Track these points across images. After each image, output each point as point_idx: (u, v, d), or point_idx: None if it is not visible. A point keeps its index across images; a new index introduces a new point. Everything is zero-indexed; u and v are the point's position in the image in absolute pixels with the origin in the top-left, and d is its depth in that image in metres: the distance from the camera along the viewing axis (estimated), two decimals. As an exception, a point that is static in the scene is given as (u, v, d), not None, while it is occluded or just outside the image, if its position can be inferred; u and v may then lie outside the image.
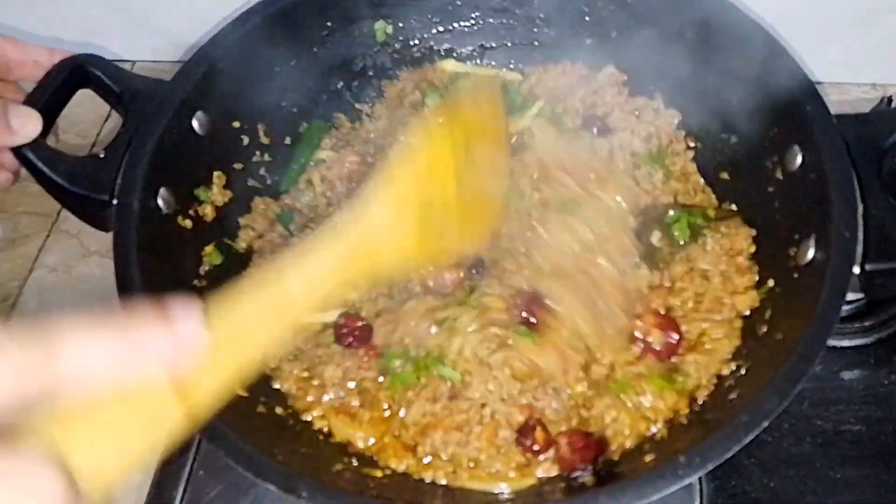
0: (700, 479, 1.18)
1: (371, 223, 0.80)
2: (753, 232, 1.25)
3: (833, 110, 1.44)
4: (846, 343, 1.32)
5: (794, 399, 1.21)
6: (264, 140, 1.42)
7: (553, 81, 1.45)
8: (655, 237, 1.24)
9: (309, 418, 1.17)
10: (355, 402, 1.16)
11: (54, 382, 0.45)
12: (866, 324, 1.32)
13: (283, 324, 0.65)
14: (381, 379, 1.17)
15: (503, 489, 1.07)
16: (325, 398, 1.17)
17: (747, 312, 1.19)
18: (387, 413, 1.15)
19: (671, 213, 1.24)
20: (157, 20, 1.64)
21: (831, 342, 1.29)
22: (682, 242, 1.23)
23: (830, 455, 1.21)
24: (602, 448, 1.09)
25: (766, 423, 0.92)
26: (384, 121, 1.47)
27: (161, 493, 1.22)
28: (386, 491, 1.05)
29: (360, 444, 1.13)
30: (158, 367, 0.50)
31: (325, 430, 1.16)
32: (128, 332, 0.49)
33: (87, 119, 1.54)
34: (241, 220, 1.38)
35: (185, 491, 1.22)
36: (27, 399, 0.44)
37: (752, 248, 1.24)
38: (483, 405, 1.12)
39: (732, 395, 1.08)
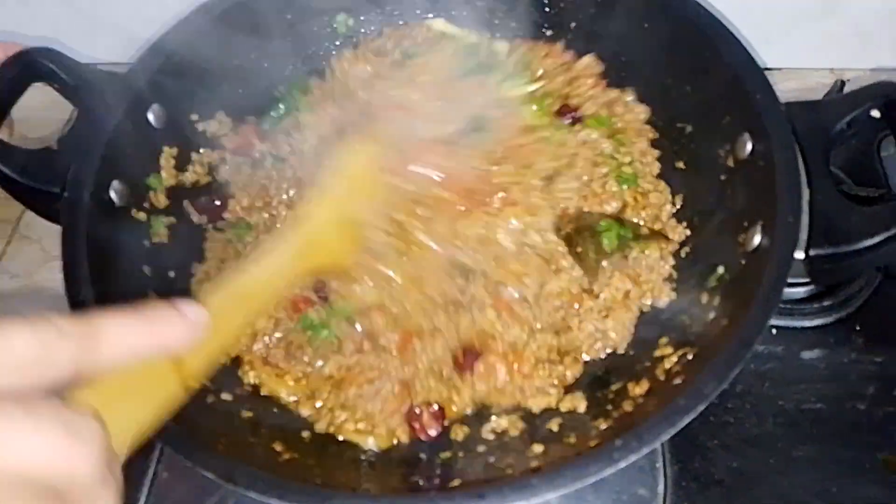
0: (664, 461, 1.20)
1: (313, 229, 0.98)
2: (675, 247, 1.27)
3: (791, 96, 1.45)
4: (806, 323, 1.33)
5: (756, 379, 1.27)
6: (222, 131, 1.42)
7: (538, 62, 1.44)
8: (584, 244, 1.24)
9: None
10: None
11: (99, 361, 0.55)
12: (825, 304, 1.33)
13: (254, 309, 0.84)
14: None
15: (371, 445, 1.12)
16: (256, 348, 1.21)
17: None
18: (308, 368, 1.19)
19: (602, 223, 1.25)
20: (123, 21, 1.64)
21: (792, 322, 1.33)
22: (608, 252, 1.24)
23: (792, 434, 1.23)
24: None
25: (702, 407, 0.92)
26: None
27: (124, 495, 1.22)
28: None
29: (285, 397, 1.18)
30: (171, 346, 0.61)
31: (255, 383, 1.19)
32: (150, 319, 0.60)
33: (53, 117, 1.54)
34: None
35: (149, 493, 1.22)
36: (79, 375, 0.54)
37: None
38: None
39: (677, 381, 1.07)
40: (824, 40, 1.59)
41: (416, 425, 1.12)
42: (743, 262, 1.12)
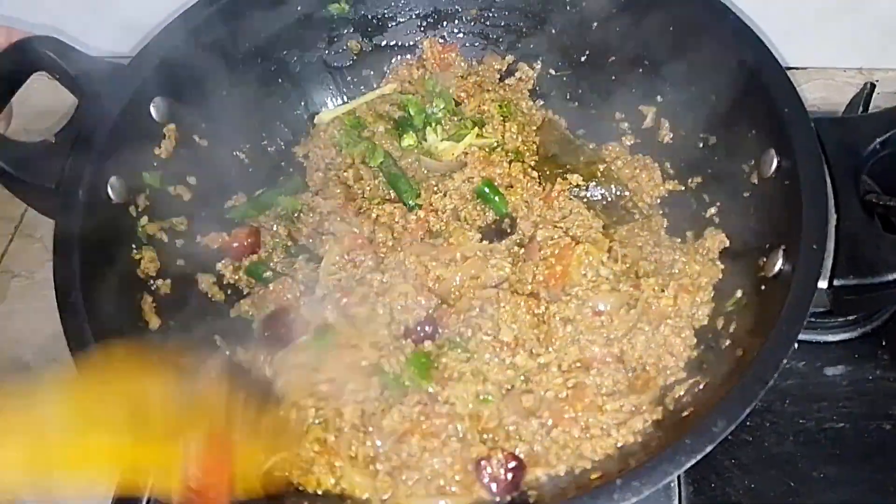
0: (678, 480, 1.15)
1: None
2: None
3: (818, 97, 1.39)
4: (830, 338, 1.26)
5: (777, 396, 1.21)
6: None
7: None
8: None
9: None
10: None
11: None
12: (850, 318, 1.25)
13: None
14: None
15: None
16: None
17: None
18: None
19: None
20: (127, 11, 1.60)
21: (815, 337, 1.26)
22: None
23: (813, 454, 1.17)
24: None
25: (709, 448, 0.87)
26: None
27: None
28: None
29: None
30: None
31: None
32: None
33: (57, 109, 1.51)
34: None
35: None
36: None
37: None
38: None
39: (686, 413, 1.02)
40: (852, 39, 1.52)
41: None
42: (763, 287, 1.06)
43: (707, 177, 1.28)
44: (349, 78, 1.51)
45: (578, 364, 1.12)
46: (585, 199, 1.30)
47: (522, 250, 1.25)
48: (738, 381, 0.92)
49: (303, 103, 1.49)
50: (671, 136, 1.34)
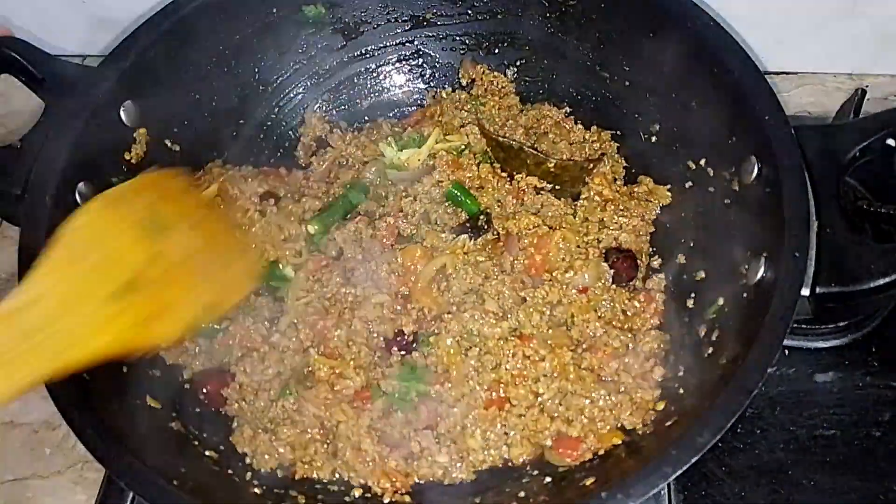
0: (668, 489, 1.14)
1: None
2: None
3: (808, 101, 1.38)
4: (820, 344, 1.24)
5: (767, 403, 1.19)
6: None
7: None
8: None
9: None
10: None
11: None
12: (840, 324, 1.24)
13: None
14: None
15: None
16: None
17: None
18: None
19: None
20: (97, 10, 1.55)
21: (805, 343, 1.24)
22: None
23: (804, 461, 1.15)
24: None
25: (694, 459, 0.86)
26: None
27: None
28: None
29: None
30: None
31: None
32: None
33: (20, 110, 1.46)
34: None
35: None
36: None
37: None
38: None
39: (669, 422, 1.01)
40: (843, 45, 1.50)
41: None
42: (745, 295, 1.05)
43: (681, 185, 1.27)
44: (327, 82, 1.48)
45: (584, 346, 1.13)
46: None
47: (501, 244, 1.24)
48: (723, 391, 0.90)
49: (277, 109, 1.45)
50: (654, 139, 1.33)
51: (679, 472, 0.85)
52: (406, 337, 1.17)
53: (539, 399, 1.09)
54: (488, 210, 1.26)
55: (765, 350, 0.92)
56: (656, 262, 1.27)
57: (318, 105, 1.48)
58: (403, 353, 1.16)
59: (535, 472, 1.07)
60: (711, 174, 1.21)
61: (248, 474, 1.07)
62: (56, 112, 1.18)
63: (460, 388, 1.09)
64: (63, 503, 1.23)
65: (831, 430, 1.18)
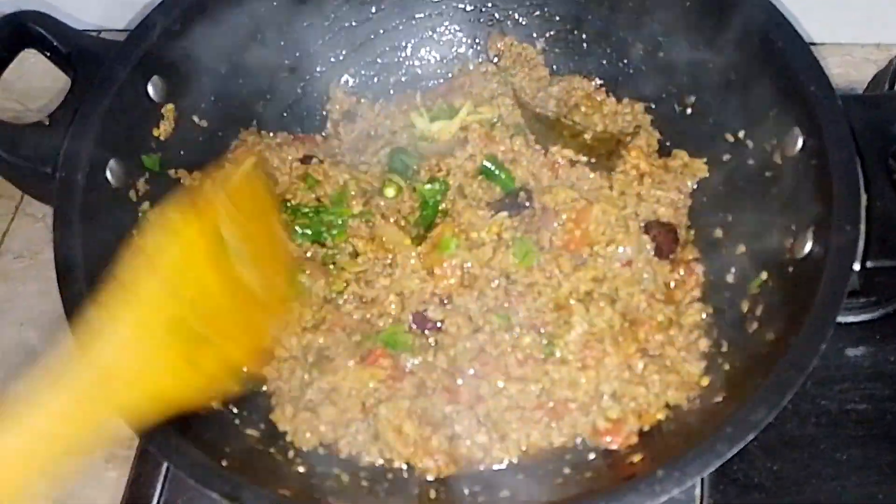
0: None
1: (104, 355, 0.77)
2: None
3: (836, 72, 1.35)
4: (851, 318, 1.22)
5: None
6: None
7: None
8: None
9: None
10: None
11: None
12: (872, 298, 1.23)
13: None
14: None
15: None
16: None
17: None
18: None
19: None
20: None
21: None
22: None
23: (835, 436, 1.15)
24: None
25: (751, 437, 0.85)
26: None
27: (138, 491, 1.17)
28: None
29: None
30: None
31: None
32: None
33: (48, 87, 1.43)
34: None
35: (162, 489, 1.17)
36: None
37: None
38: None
39: (718, 399, 1.00)
40: (870, 14, 1.48)
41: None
42: (791, 269, 1.04)
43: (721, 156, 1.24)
44: (354, 55, 1.45)
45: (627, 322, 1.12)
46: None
47: (537, 219, 1.21)
48: (776, 367, 0.89)
49: (303, 84, 1.43)
50: (689, 111, 1.30)
51: (735, 450, 0.84)
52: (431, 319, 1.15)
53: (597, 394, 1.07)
54: (527, 186, 1.24)
55: (818, 326, 0.90)
56: (694, 236, 1.24)
57: (343, 79, 1.45)
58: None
59: (579, 449, 1.06)
60: (751, 147, 1.18)
61: (291, 453, 1.06)
62: (83, 88, 1.16)
63: (516, 385, 1.07)
64: (94, 481, 1.22)
65: (862, 404, 1.17)
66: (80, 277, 1.01)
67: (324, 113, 1.43)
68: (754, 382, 0.92)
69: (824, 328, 0.90)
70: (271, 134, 1.37)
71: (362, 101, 1.43)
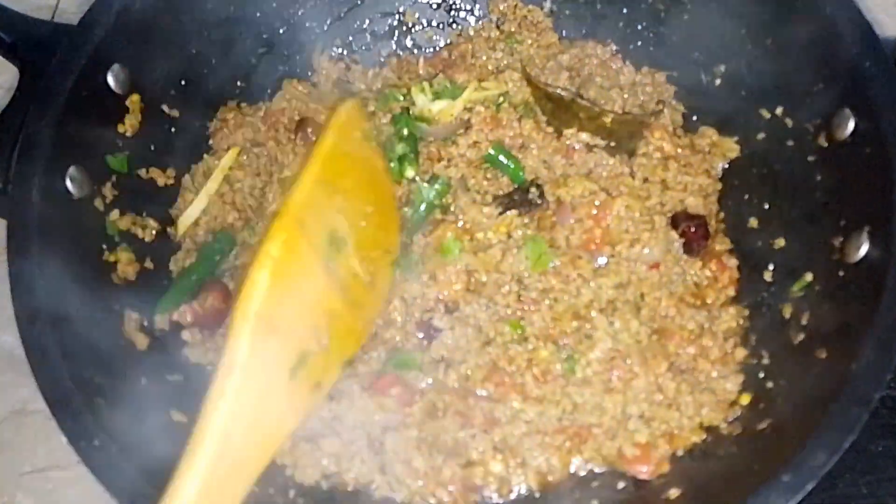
0: None
1: None
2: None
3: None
4: None
5: None
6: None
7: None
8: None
9: None
10: None
11: None
12: None
13: None
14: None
15: None
16: None
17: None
18: None
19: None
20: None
21: None
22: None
23: (869, 425, 1.05)
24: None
25: (809, 486, 0.75)
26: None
27: None
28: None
29: None
30: None
31: None
32: None
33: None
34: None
35: None
36: None
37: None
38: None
39: (762, 425, 0.90)
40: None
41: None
42: (842, 273, 0.92)
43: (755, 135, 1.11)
44: (340, 24, 1.31)
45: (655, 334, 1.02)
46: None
47: (551, 215, 1.09)
48: (836, 402, 0.79)
49: (287, 57, 1.28)
50: (718, 82, 1.17)
51: (793, 502, 0.74)
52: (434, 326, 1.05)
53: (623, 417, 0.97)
54: (538, 180, 1.11)
55: (883, 350, 0.80)
56: (725, 224, 1.13)
57: (331, 49, 1.30)
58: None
59: (606, 476, 0.97)
60: (790, 126, 1.06)
61: (292, 492, 0.96)
62: (33, 83, 1.02)
63: (534, 407, 0.97)
64: (88, 495, 1.13)
65: (898, 390, 1.08)
66: (40, 318, 0.88)
67: (311, 85, 1.29)
68: (809, 416, 0.81)
69: (891, 353, 0.79)
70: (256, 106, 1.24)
71: (352, 67, 1.29)
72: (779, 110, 1.08)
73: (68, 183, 0.99)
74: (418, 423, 0.98)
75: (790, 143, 1.06)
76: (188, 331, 1.06)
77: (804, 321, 0.96)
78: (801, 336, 0.95)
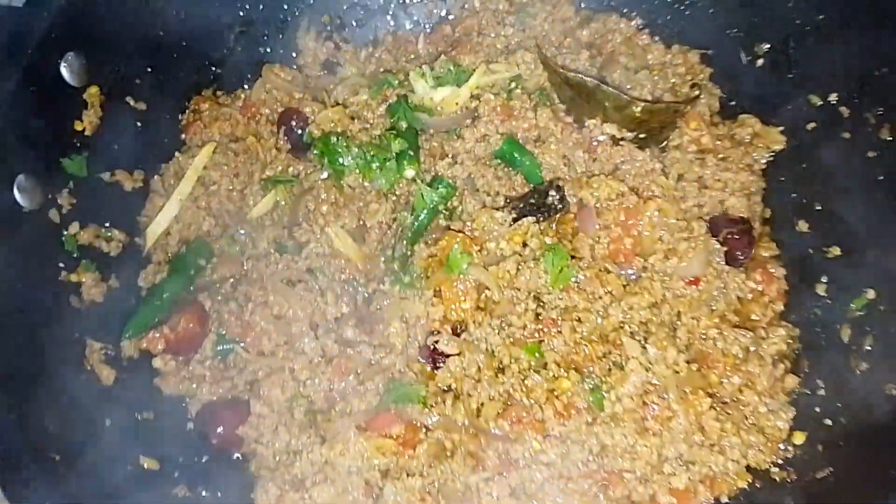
0: None
1: None
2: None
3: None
4: None
5: None
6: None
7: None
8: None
9: None
10: None
11: None
12: None
13: None
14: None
15: None
16: None
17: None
18: None
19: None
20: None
21: None
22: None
23: None
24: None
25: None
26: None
27: None
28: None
29: None
30: None
31: None
32: None
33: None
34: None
35: None
36: None
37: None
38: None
39: (822, 473, 0.78)
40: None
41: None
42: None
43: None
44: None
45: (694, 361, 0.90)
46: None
47: (573, 219, 0.96)
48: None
49: (267, 37, 1.14)
50: (760, 63, 1.03)
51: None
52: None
53: (659, 461, 0.85)
54: (558, 180, 0.97)
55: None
56: (770, 227, 1.00)
57: (317, 26, 1.16)
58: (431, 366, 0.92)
59: (638, 524, 0.85)
60: (846, 115, 0.94)
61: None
62: (-28, 76, 0.87)
63: (556, 447, 0.85)
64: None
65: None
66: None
67: (294, 68, 1.15)
68: (881, 467, 0.69)
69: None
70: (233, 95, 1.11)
71: (341, 47, 1.16)
72: (833, 97, 0.95)
73: (16, 193, 0.86)
74: (422, 467, 0.86)
75: (846, 135, 0.93)
76: (160, 358, 0.94)
77: (867, 346, 0.84)
78: (864, 366, 0.83)
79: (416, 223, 0.97)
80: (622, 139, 0.99)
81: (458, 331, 0.93)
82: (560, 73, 1.00)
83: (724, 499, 0.84)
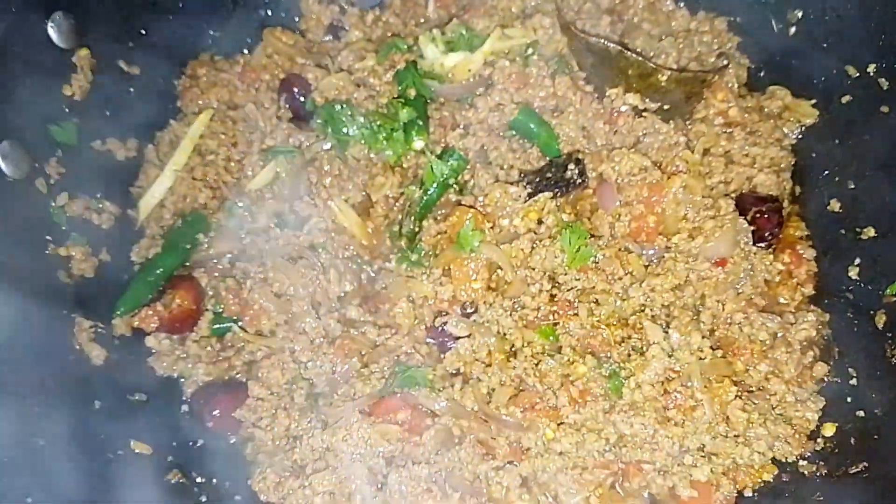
0: None
1: None
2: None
3: None
4: None
5: None
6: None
7: None
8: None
9: None
10: None
11: None
12: None
13: None
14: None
15: None
16: None
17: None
18: None
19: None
20: None
21: None
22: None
23: None
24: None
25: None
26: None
27: None
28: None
29: None
30: None
31: None
32: None
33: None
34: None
35: None
36: None
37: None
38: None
39: (856, 468, 0.73)
40: None
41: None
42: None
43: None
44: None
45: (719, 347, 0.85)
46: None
47: (592, 194, 0.91)
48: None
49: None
50: (792, 31, 0.97)
51: None
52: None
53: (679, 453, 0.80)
54: (577, 153, 0.91)
55: None
56: (800, 205, 0.95)
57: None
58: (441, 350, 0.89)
59: (656, 517, 0.81)
60: (885, 88, 0.88)
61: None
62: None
63: (570, 436, 0.80)
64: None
65: None
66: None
67: (297, 31, 1.09)
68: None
69: None
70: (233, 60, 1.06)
71: (347, 9, 1.10)
72: (871, 68, 0.89)
73: (1, 161, 0.81)
74: (429, 454, 0.82)
75: (884, 108, 0.88)
76: (153, 337, 0.90)
77: (906, 341, 0.78)
78: (901, 356, 0.77)
79: (424, 198, 0.92)
80: (645, 110, 0.93)
81: (468, 312, 0.88)
82: (581, 37, 0.94)
83: (748, 492, 0.80)
